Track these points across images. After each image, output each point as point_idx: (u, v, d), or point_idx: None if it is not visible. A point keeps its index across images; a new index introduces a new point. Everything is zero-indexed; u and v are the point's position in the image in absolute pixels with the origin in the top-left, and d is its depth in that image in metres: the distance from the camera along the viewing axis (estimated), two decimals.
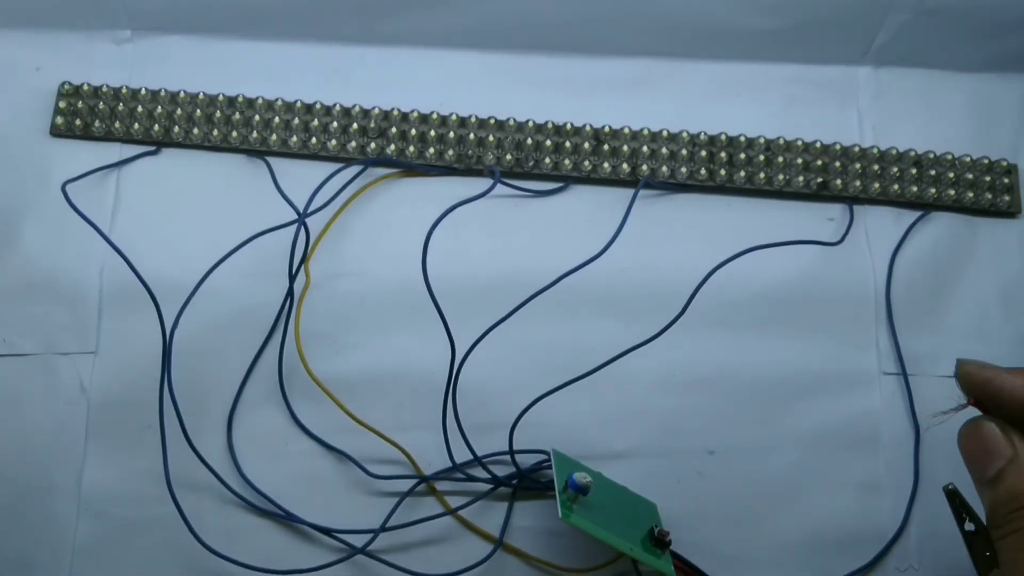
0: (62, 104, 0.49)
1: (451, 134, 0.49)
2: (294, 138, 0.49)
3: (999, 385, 0.33)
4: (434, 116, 0.49)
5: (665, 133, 0.49)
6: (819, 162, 0.49)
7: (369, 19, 0.50)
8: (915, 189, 0.49)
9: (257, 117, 0.49)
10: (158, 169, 0.49)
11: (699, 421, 0.45)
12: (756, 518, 0.44)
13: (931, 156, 0.50)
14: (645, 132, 0.49)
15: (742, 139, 0.50)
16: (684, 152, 0.49)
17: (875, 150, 0.50)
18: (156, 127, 0.48)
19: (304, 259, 0.45)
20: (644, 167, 0.49)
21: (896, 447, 0.45)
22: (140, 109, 0.49)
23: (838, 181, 0.49)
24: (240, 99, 0.49)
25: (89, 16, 0.50)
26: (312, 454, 0.44)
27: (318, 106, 0.49)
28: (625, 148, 0.49)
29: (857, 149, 0.50)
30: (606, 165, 0.49)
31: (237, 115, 0.49)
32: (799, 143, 0.50)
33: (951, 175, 0.49)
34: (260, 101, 0.49)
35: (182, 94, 0.49)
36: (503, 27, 0.50)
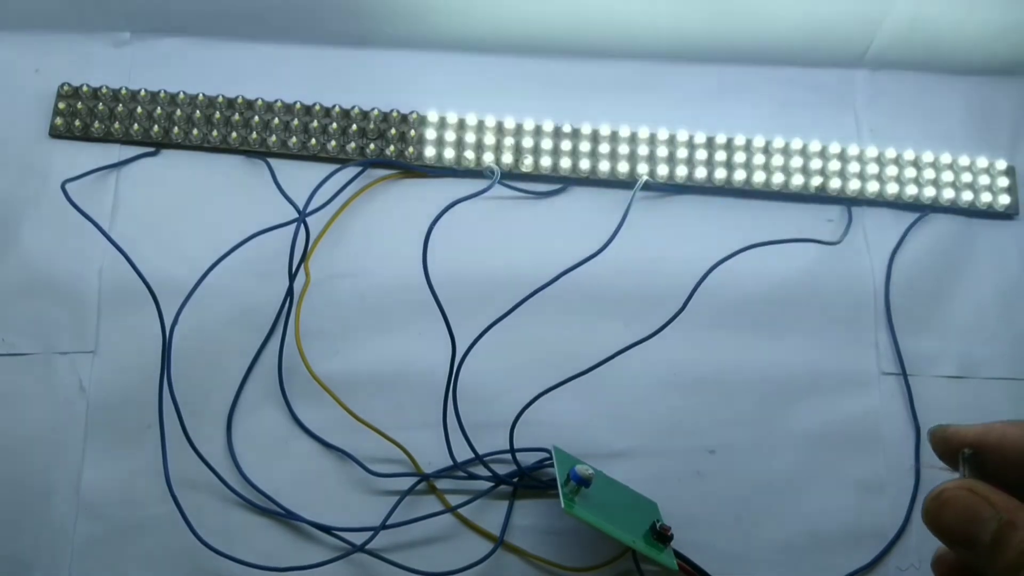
0: (61, 105, 0.50)
1: (450, 136, 0.50)
2: (293, 139, 0.50)
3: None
4: (433, 117, 0.50)
5: (663, 135, 0.51)
6: (817, 164, 0.50)
7: (368, 22, 0.51)
8: (913, 191, 0.50)
9: (256, 118, 0.50)
10: (157, 170, 0.50)
11: (699, 420, 0.46)
12: (757, 517, 0.45)
13: (929, 158, 0.51)
14: (643, 134, 0.51)
15: (740, 141, 0.51)
16: (682, 154, 0.50)
17: (873, 152, 0.51)
18: (155, 128, 0.50)
19: (304, 258, 0.46)
20: (642, 168, 0.50)
21: (896, 446, 0.46)
22: (139, 110, 0.50)
23: (836, 183, 0.50)
24: (239, 100, 0.50)
25: (88, 18, 0.51)
26: (312, 453, 0.45)
27: (317, 107, 0.50)
28: (623, 149, 0.50)
29: (855, 151, 0.51)
30: (605, 166, 0.50)
31: (236, 116, 0.50)
32: (797, 145, 0.51)
33: (949, 177, 0.50)
34: (259, 103, 0.50)
35: (181, 95, 0.50)
36: (502, 30, 0.52)
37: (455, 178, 0.50)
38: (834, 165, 0.50)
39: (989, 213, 0.51)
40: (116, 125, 0.50)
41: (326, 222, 0.48)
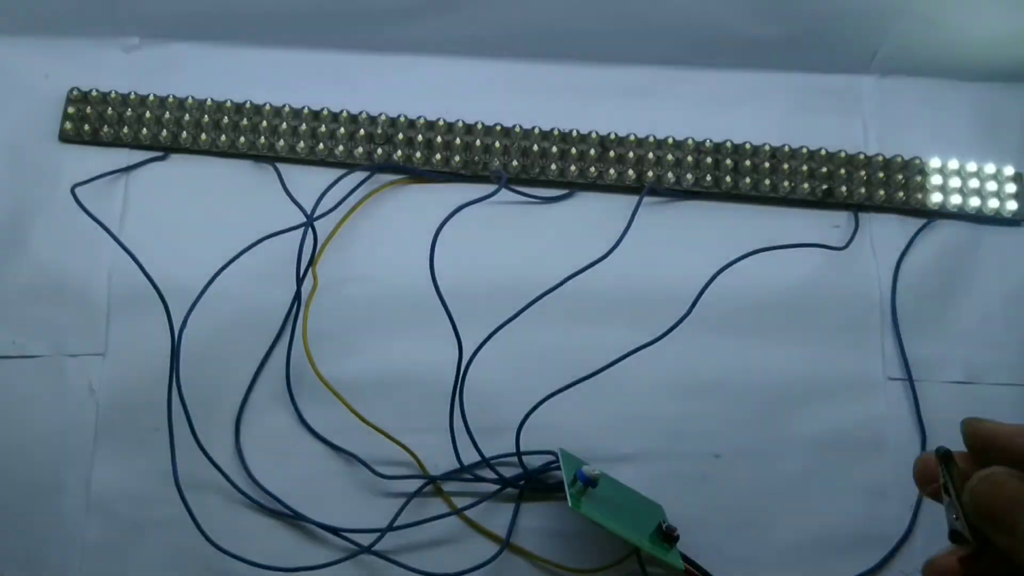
0: (71, 110, 0.52)
1: (457, 141, 0.52)
2: (301, 144, 0.52)
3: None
4: (440, 123, 0.53)
5: (670, 140, 0.53)
6: (824, 170, 0.52)
7: (376, 26, 0.54)
8: (920, 197, 0.52)
9: (264, 123, 0.52)
10: (166, 174, 0.52)
11: (705, 425, 0.48)
12: (762, 521, 0.47)
13: (936, 164, 0.53)
14: (650, 139, 0.53)
15: (747, 146, 0.53)
16: (689, 159, 0.52)
17: (880, 158, 0.53)
18: (164, 133, 0.52)
19: (312, 262, 0.49)
20: (649, 174, 0.52)
21: (902, 451, 0.48)
22: (148, 115, 0.52)
23: (843, 189, 0.52)
24: (248, 105, 0.53)
25: (97, 23, 0.53)
26: (320, 455, 0.47)
27: (325, 112, 0.53)
28: (630, 155, 0.52)
29: (862, 157, 0.53)
30: (612, 172, 0.52)
31: (245, 121, 0.52)
32: (804, 151, 0.53)
33: (956, 183, 0.52)
34: (267, 107, 0.53)
35: (190, 100, 0.53)
36: (509, 35, 0.54)
37: (462, 183, 0.52)
38: (841, 171, 0.52)
39: (996, 219, 0.52)
40: (125, 130, 0.52)
41: (334, 226, 0.50)
